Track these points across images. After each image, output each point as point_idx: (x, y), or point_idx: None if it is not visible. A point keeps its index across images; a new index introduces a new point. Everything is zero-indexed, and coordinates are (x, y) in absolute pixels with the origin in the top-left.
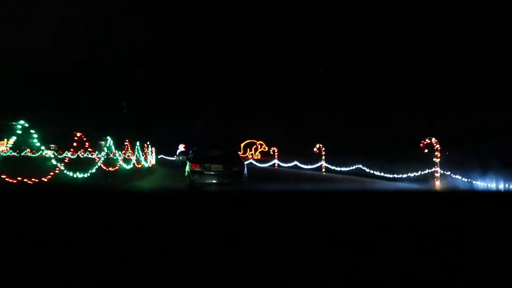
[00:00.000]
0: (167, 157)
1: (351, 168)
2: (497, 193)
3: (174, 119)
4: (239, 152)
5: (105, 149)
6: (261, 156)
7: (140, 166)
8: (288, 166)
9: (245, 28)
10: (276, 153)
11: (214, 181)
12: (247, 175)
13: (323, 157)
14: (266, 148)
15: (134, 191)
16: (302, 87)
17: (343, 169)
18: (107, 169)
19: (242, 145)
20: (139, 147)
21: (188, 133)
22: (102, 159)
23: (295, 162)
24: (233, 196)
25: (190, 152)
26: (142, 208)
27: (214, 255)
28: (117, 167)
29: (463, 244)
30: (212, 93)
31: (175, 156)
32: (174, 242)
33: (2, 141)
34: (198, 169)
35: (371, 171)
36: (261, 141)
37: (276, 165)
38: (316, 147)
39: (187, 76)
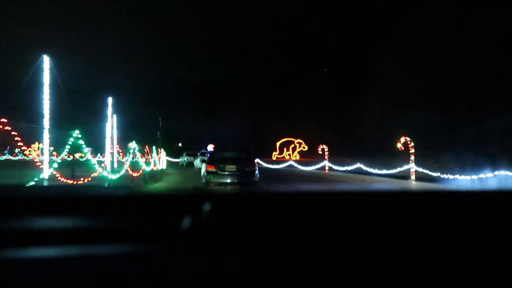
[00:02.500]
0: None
1: (484, 175)
2: None
3: (204, 119)
4: (275, 152)
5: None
6: (300, 157)
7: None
8: (347, 170)
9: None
10: (326, 153)
11: (227, 181)
12: (258, 175)
13: (412, 157)
14: (306, 148)
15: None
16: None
17: (460, 176)
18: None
19: (277, 144)
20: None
21: (218, 134)
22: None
23: (358, 165)
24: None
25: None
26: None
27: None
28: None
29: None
30: (244, 90)
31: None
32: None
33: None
34: (213, 170)
35: None
36: (300, 139)
37: (327, 168)
38: (400, 141)
39: (218, 74)
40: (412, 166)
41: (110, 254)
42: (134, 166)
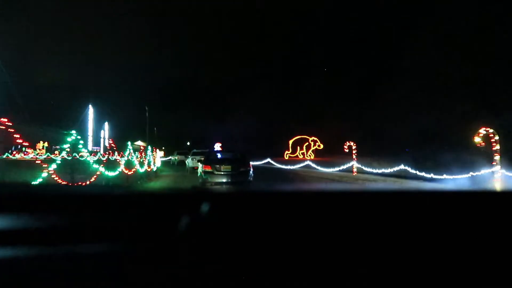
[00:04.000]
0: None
1: None
2: None
3: (213, 118)
4: (287, 152)
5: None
6: (315, 156)
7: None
8: (383, 173)
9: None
10: (354, 151)
11: (223, 180)
12: (252, 175)
13: (496, 156)
14: (322, 146)
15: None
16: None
17: None
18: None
19: (290, 142)
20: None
21: (228, 132)
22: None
23: (401, 166)
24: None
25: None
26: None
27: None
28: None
29: None
30: (254, 87)
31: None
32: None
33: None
34: (209, 170)
35: None
36: (314, 136)
37: (355, 170)
38: (479, 134)
39: (228, 72)
40: (497, 170)
41: (106, 253)
42: (78, 168)
